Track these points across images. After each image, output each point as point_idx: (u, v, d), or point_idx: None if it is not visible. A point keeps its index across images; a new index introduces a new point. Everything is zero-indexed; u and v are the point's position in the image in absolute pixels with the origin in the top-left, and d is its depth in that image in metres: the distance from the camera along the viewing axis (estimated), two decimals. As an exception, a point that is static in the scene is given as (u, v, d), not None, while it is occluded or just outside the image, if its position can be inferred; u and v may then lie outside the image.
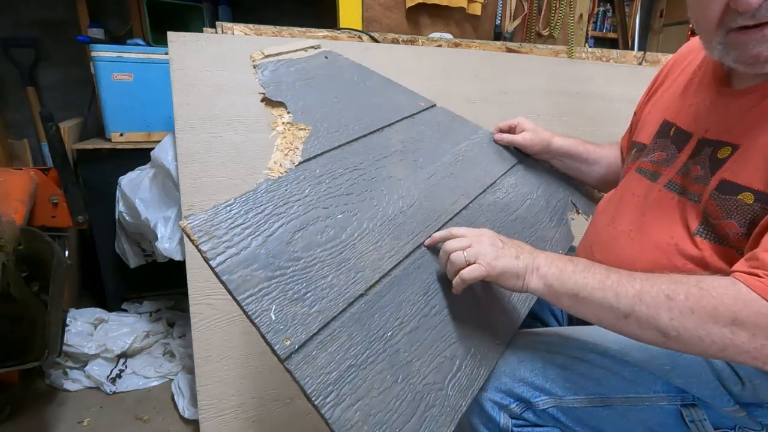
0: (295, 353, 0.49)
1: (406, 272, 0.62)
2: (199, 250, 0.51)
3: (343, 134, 0.72)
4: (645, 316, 0.53)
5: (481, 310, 0.66)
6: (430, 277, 0.64)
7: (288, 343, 0.49)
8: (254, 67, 0.74)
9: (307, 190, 0.62)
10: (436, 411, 0.54)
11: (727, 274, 0.54)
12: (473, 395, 0.58)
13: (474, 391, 0.59)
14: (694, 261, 0.61)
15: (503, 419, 0.63)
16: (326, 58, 0.79)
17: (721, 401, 0.61)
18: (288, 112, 0.69)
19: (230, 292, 0.50)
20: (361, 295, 0.57)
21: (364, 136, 0.74)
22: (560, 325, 0.90)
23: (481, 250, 0.60)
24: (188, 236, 0.52)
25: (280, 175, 0.62)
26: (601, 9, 3.55)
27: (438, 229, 0.69)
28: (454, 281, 0.61)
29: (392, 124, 0.80)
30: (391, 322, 0.57)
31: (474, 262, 0.59)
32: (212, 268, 0.51)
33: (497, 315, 0.68)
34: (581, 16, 1.91)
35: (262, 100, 0.70)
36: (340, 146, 0.70)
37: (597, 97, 1.52)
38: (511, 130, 0.96)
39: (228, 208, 0.55)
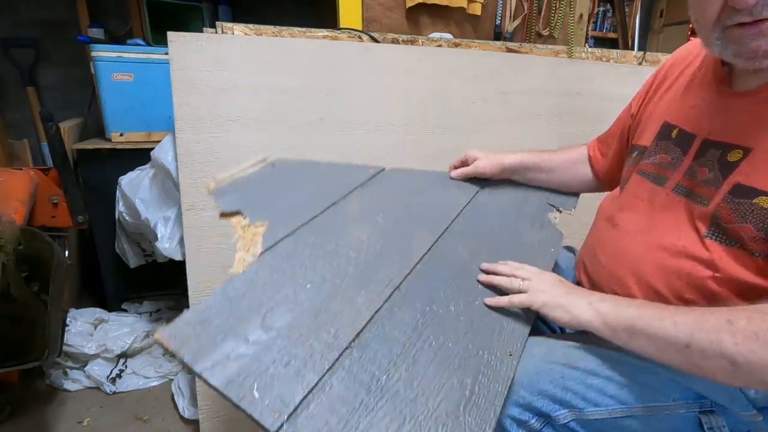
0: (285, 423, 0.47)
1: (389, 314, 0.62)
2: (180, 361, 0.51)
3: (299, 218, 0.74)
4: (707, 343, 0.51)
5: (484, 325, 0.66)
6: (416, 312, 0.64)
7: (276, 415, 0.47)
8: (212, 195, 0.76)
9: (271, 275, 0.63)
10: None
11: (738, 275, 0.54)
12: (497, 414, 0.55)
13: (497, 409, 0.55)
14: (704, 263, 0.61)
15: None
16: (273, 166, 0.82)
17: (740, 405, 0.60)
18: (245, 217, 0.72)
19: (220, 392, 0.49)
20: (347, 348, 0.56)
21: (321, 213, 0.76)
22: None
23: (535, 284, 0.66)
24: (164, 348, 0.50)
25: (245, 269, 0.64)
26: (601, 9, 3.55)
27: (413, 267, 0.71)
28: (498, 299, 0.67)
29: (346, 195, 0.82)
30: (384, 367, 0.56)
31: (524, 291, 0.66)
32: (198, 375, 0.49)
33: (505, 324, 0.67)
34: (581, 16, 1.91)
35: (220, 216, 0.73)
36: (298, 228, 0.72)
37: (597, 97, 1.52)
38: (463, 164, 0.98)
39: (200, 311, 0.55)
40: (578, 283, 0.82)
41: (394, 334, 0.60)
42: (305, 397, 0.49)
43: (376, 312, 0.62)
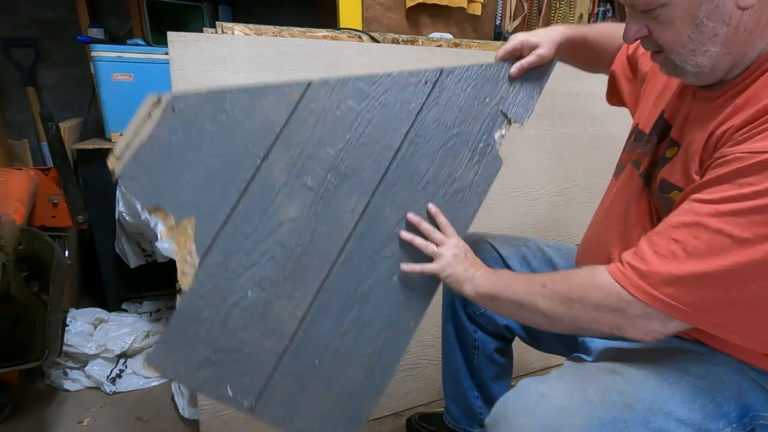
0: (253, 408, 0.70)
1: (322, 307, 0.74)
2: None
3: (223, 206, 0.69)
4: (529, 303, 0.65)
5: (394, 304, 0.78)
6: (342, 304, 0.75)
7: (246, 403, 0.70)
8: (117, 181, 0.72)
9: (215, 284, 0.70)
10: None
11: None
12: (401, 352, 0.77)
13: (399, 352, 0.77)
14: None
15: None
16: (173, 110, 0.67)
17: None
18: (167, 214, 0.67)
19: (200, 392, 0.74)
20: (285, 349, 0.72)
21: (243, 193, 0.70)
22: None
23: (445, 253, 0.75)
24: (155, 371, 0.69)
25: (190, 286, 0.70)
26: (601, 9, 3.53)
27: (341, 251, 0.74)
28: (411, 265, 0.76)
29: (266, 156, 0.71)
30: (319, 353, 0.73)
31: (434, 260, 0.76)
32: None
33: (409, 298, 0.79)
34: (581, 16, 1.92)
35: (148, 212, 0.68)
36: (225, 223, 0.69)
37: (597, 97, 1.51)
38: (515, 52, 0.82)
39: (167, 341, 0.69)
40: None
41: (325, 326, 0.74)
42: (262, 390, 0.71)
43: (308, 308, 0.73)
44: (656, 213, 0.69)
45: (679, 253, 0.55)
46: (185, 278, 0.70)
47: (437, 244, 0.76)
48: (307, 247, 0.73)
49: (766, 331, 0.58)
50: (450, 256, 0.75)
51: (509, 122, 0.84)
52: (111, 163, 0.64)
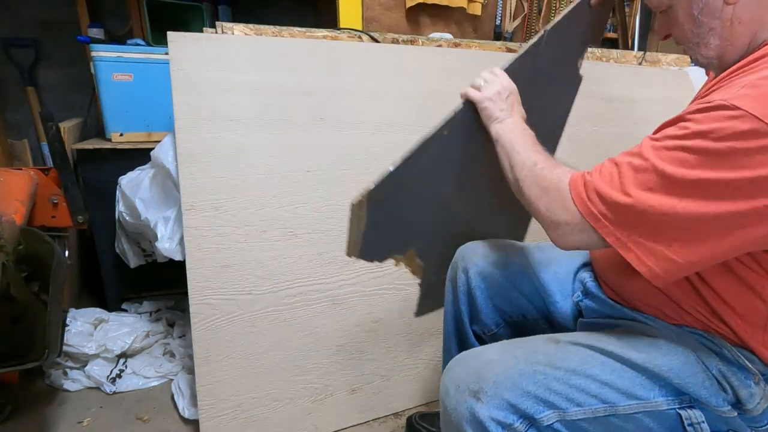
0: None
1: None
2: None
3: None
4: (519, 170, 0.72)
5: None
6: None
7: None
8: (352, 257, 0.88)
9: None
10: None
11: None
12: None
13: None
14: None
15: None
16: (370, 201, 0.82)
17: (717, 401, 0.62)
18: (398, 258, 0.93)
19: None
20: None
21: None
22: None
23: (490, 90, 0.80)
24: None
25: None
26: (601, 9, 3.54)
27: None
28: (464, 88, 0.83)
29: (447, 181, 0.91)
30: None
31: (480, 90, 0.81)
32: None
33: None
34: (581, 16, 1.91)
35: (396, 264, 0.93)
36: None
37: (597, 97, 1.52)
38: None
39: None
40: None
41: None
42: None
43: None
44: None
45: (615, 177, 0.61)
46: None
47: (485, 80, 0.82)
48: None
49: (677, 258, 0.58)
50: (493, 92, 0.80)
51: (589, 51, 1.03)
52: (348, 252, 0.84)
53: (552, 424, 0.62)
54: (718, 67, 0.68)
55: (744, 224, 0.53)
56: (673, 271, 0.57)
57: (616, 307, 0.76)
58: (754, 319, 0.63)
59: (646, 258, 0.58)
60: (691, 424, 0.63)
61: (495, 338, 0.93)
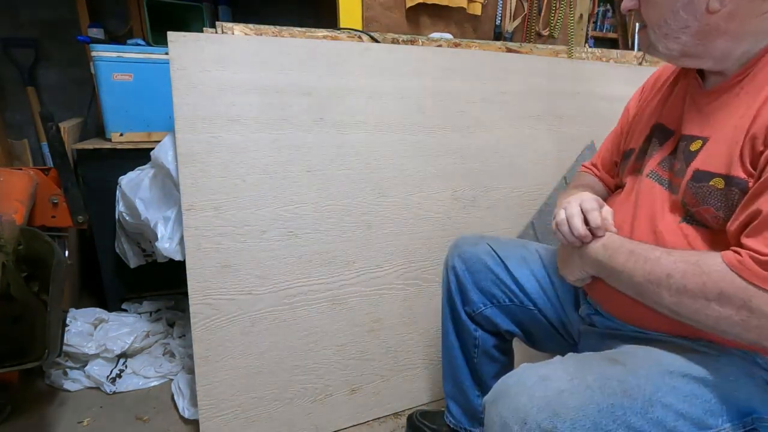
0: None
1: None
2: None
3: None
4: (653, 294, 0.62)
5: None
6: None
7: None
8: None
9: None
10: None
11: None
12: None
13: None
14: (682, 245, 0.67)
15: None
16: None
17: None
18: None
19: None
20: None
21: None
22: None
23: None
24: None
25: None
26: (601, 9, 3.54)
27: None
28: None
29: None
30: None
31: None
32: None
33: None
34: (581, 16, 1.91)
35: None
36: None
37: (597, 97, 1.52)
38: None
39: None
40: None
41: None
42: None
43: None
44: (680, 207, 0.69)
45: None
46: None
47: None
48: None
49: None
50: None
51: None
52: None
53: None
54: (673, 60, 0.71)
55: None
56: None
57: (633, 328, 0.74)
58: None
59: None
60: None
61: (484, 317, 0.96)
